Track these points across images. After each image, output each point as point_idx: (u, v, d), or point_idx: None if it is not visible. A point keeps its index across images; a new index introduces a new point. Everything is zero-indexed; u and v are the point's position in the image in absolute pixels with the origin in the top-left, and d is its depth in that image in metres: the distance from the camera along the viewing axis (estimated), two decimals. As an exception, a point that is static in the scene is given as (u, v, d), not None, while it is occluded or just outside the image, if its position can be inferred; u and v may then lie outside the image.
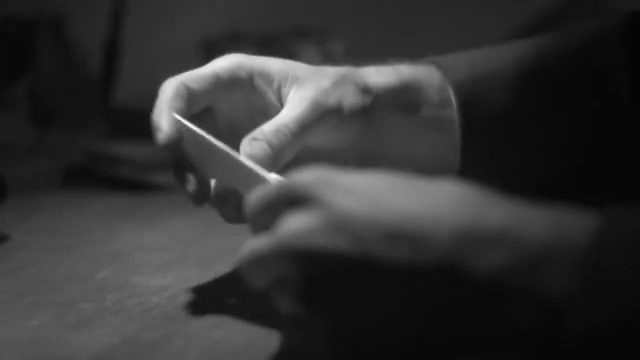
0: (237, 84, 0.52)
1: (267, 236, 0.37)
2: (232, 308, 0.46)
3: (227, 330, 0.42)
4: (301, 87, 0.50)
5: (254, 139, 0.48)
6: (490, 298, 0.33)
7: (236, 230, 0.69)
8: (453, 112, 0.52)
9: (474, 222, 0.34)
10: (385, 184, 0.36)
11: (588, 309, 0.31)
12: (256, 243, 0.37)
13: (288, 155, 0.49)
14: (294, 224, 0.36)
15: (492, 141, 0.53)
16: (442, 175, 0.54)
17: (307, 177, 0.37)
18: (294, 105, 0.50)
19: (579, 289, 0.32)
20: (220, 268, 0.55)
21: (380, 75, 0.52)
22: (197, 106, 0.51)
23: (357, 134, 0.51)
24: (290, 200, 0.37)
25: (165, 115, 0.50)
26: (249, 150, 0.48)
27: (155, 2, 1.50)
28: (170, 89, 0.51)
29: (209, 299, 0.48)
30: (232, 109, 0.53)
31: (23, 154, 0.97)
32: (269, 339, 0.41)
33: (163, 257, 0.59)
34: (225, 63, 0.52)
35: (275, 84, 0.51)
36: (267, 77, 0.51)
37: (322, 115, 0.50)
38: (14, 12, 1.07)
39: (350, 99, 0.51)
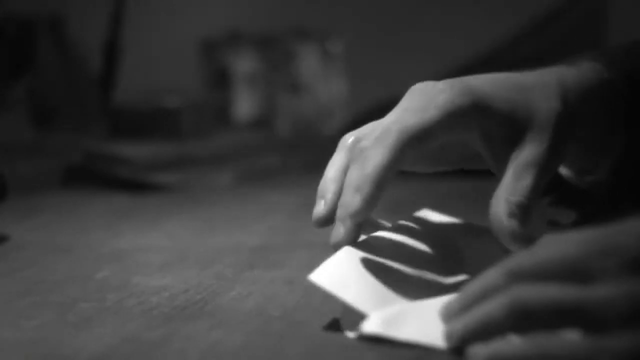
0: (459, 132, 0.47)
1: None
2: (232, 308, 0.46)
3: (227, 330, 0.42)
4: (523, 148, 0.47)
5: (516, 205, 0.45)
6: None
7: (236, 230, 0.69)
8: (621, 105, 0.51)
9: None
10: None
11: None
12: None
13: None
14: None
15: None
16: (604, 161, 0.53)
17: None
18: (522, 171, 0.46)
19: None
20: (220, 268, 0.55)
21: (587, 99, 0.50)
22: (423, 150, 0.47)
23: None
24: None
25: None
26: (508, 209, 0.45)
27: (155, 2, 1.50)
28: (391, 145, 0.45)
29: (209, 299, 0.48)
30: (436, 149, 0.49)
31: (23, 154, 0.97)
32: (269, 339, 0.41)
33: (163, 257, 0.59)
34: (458, 109, 0.46)
35: (497, 139, 0.48)
36: (489, 133, 0.47)
37: (548, 177, 0.48)
38: (14, 12, 1.07)
39: (568, 146, 0.49)
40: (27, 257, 0.60)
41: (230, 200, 0.87)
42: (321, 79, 1.29)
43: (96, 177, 0.94)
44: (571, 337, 0.34)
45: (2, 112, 1.03)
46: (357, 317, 0.41)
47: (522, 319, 0.35)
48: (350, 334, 0.41)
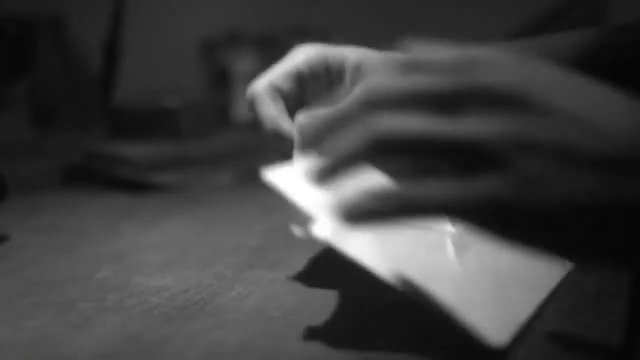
0: (317, 78, 0.53)
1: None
2: (232, 308, 0.46)
3: (227, 330, 0.42)
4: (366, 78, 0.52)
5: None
6: None
7: (236, 230, 0.69)
8: None
9: None
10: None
11: None
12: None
13: None
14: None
15: None
16: None
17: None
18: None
19: None
20: (220, 268, 0.55)
21: None
22: (286, 104, 0.54)
23: None
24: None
25: (282, 123, 0.52)
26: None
27: (155, 2, 1.50)
28: (263, 93, 0.52)
29: (209, 299, 0.48)
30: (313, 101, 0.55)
31: (23, 154, 0.97)
32: (270, 339, 0.41)
33: (163, 257, 0.59)
34: (304, 57, 0.53)
35: (349, 77, 0.53)
36: (341, 70, 0.53)
37: None
38: (14, 12, 1.07)
39: None
40: (27, 257, 0.60)
41: (230, 200, 0.87)
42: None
43: (96, 177, 0.94)
44: (437, 183, 0.32)
45: (2, 112, 1.03)
46: (307, 218, 0.41)
47: (384, 152, 0.33)
48: (297, 232, 0.41)
